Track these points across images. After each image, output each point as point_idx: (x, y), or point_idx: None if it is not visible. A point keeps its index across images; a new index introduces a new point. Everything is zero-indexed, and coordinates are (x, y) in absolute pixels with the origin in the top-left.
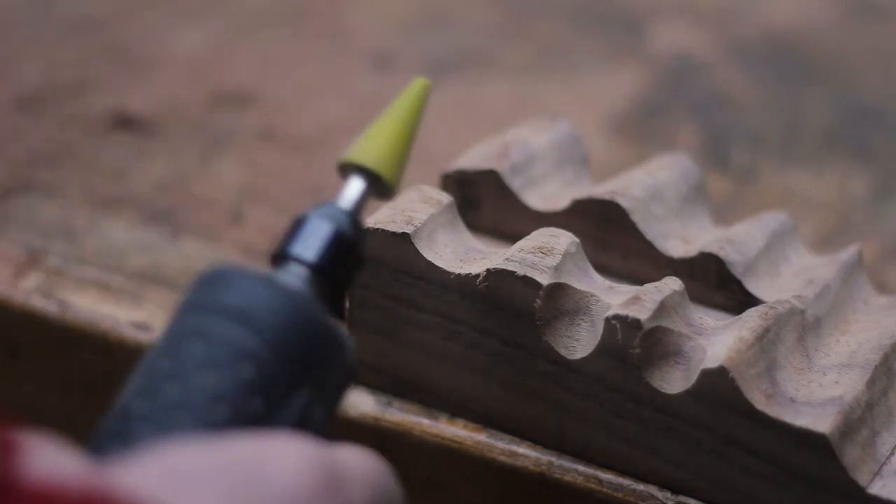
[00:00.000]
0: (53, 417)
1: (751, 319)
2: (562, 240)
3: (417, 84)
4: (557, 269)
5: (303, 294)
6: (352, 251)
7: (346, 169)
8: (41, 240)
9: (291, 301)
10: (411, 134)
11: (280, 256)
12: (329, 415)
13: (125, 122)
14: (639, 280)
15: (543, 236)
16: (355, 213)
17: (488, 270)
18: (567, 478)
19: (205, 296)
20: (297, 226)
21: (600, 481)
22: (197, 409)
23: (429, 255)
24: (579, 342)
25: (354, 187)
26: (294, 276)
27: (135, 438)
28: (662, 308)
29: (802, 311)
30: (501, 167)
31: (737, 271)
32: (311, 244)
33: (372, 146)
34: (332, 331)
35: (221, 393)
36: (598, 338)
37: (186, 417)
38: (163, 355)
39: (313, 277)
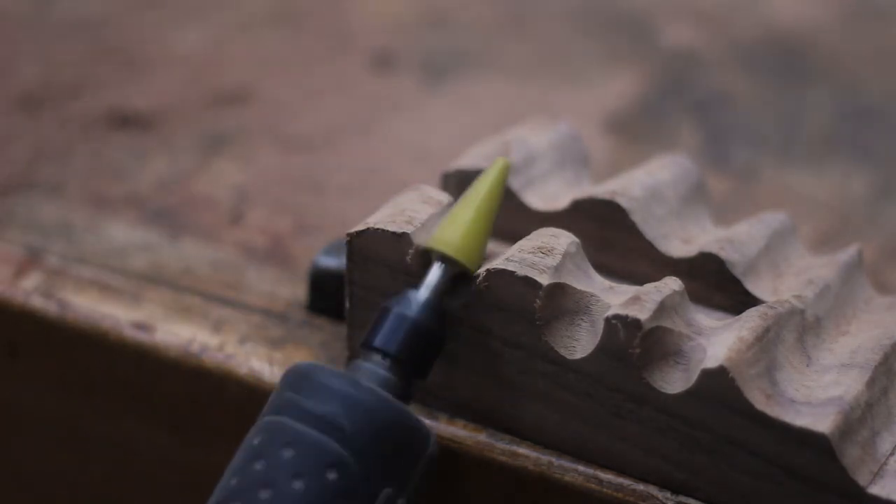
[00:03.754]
0: (53, 417)
1: (751, 319)
2: (562, 240)
3: (497, 164)
4: (557, 269)
5: (386, 393)
6: (431, 339)
7: (429, 253)
8: (41, 240)
9: (377, 405)
10: (492, 217)
11: (365, 347)
12: (412, 502)
13: (125, 122)
14: (639, 280)
15: (543, 236)
16: (435, 300)
17: (488, 270)
18: (567, 478)
19: (293, 399)
20: (380, 316)
21: (600, 481)
22: None
23: None
24: (579, 342)
25: (435, 273)
26: (377, 369)
27: None
28: (662, 308)
29: (802, 311)
30: None
31: (737, 271)
32: (393, 336)
33: (454, 233)
34: (412, 426)
35: (310, 499)
36: (598, 338)
37: None
38: (256, 456)
39: (395, 367)
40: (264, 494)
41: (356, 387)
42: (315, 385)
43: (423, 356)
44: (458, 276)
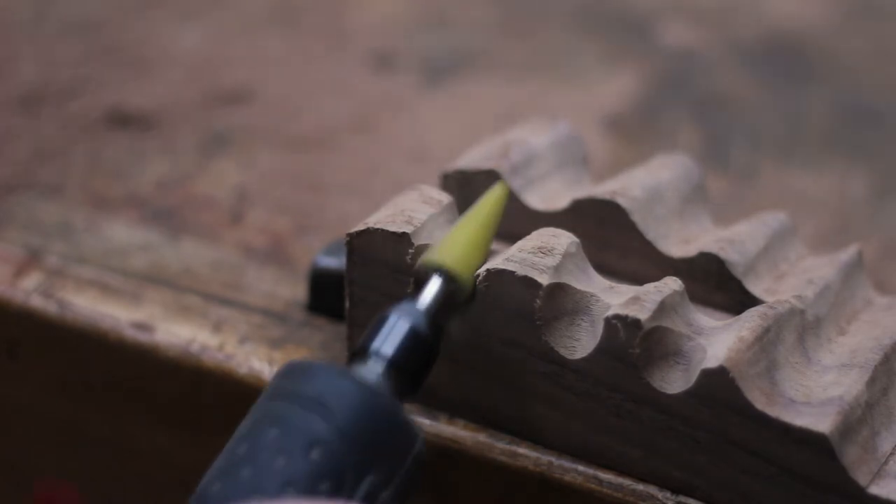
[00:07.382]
0: (53, 417)
1: (751, 319)
2: (562, 240)
3: (497, 189)
4: (557, 269)
5: (375, 387)
6: (426, 348)
7: (428, 268)
8: (41, 240)
9: (364, 392)
10: (490, 238)
11: (361, 351)
12: (398, 501)
13: (125, 122)
14: (639, 280)
15: (543, 236)
16: (432, 311)
17: (488, 270)
18: (567, 478)
19: (284, 385)
20: (378, 322)
21: (600, 481)
22: (268, 492)
23: None
24: (579, 342)
25: (433, 287)
26: (371, 370)
27: None
28: (662, 308)
29: (802, 311)
30: (501, 167)
31: (737, 271)
32: (389, 341)
33: (453, 249)
34: (401, 423)
35: (291, 477)
36: (598, 338)
37: (258, 499)
38: (241, 440)
39: (390, 371)
40: (245, 473)
41: (346, 376)
42: (306, 372)
43: (418, 365)
44: (453, 297)
